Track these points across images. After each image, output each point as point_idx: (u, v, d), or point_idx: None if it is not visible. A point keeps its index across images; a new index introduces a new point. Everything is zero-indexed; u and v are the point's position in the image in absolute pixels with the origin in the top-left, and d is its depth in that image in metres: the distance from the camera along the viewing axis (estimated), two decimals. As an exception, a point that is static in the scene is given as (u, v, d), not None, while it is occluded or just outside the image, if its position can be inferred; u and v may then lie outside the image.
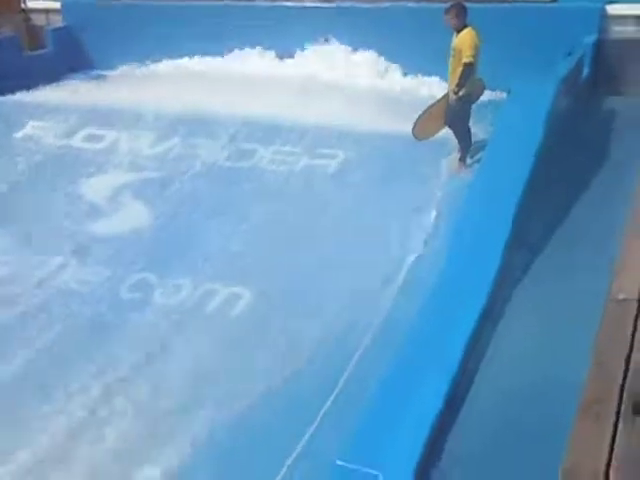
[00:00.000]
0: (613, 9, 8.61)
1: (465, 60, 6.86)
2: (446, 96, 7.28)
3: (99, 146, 8.56)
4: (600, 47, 8.55)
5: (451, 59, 7.06)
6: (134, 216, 7.28)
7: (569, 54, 8.26)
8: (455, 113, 7.15)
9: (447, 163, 7.29)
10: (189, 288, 6.10)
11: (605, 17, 8.62)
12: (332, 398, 4.66)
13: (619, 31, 8.61)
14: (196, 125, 8.56)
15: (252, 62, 10.15)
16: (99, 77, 10.73)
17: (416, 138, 7.31)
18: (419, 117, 7.31)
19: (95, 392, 4.99)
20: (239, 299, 5.91)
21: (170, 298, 6.02)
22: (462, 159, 7.19)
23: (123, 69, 10.84)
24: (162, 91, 9.50)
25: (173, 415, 4.80)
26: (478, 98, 7.36)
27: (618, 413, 1.78)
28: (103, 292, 6.19)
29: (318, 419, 4.53)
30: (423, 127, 7.32)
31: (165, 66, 10.70)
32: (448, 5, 7.06)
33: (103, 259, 6.63)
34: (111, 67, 10.85)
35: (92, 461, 4.48)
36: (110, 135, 8.68)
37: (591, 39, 8.52)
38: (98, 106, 9.23)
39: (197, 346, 5.42)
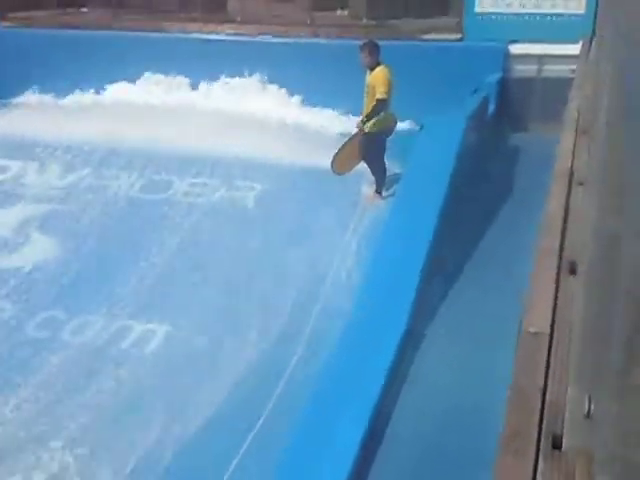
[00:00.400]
0: (515, 48, 9.04)
1: (378, 96, 7.03)
2: (361, 131, 7.42)
3: (3, 177, 8.23)
4: (504, 85, 8.95)
5: (365, 96, 7.22)
6: (41, 250, 6.99)
7: (475, 91, 8.60)
8: (370, 147, 7.30)
9: (363, 196, 7.42)
10: (101, 325, 5.89)
11: (508, 56, 9.04)
12: (251, 436, 4.58)
13: (522, 70, 9.04)
14: (107, 156, 8.37)
15: (164, 92, 10.03)
16: (3, 105, 10.33)
17: (335, 173, 7.43)
18: (336, 153, 7.44)
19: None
20: (153, 335, 5.76)
21: (80, 336, 5.79)
22: (378, 191, 7.33)
23: (28, 98, 10.48)
24: (70, 121, 9.24)
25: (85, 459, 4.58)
26: (391, 133, 7.55)
27: (538, 447, 1.82)
28: (9, 330, 5.89)
29: (239, 455, 4.44)
30: (341, 162, 7.45)
31: (74, 96, 10.40)
32: (362, 43, 7.24)
33: (8, 294, 6.32)
34: (16, 95, 10.47)
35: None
36: (15, 166, 8.36)
37: (495, 77, 8.91)
38: (2, 136, 8.89)
39: (114, 382, 5.23)
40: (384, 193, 7.32)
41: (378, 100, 7.04)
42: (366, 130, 7.26)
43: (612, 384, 1.34)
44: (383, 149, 7.32)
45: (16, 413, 4.98)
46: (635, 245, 1.25)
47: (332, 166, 7.40)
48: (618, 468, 1.18)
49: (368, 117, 7.12)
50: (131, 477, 4.41)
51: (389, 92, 7.07)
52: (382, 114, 7.15)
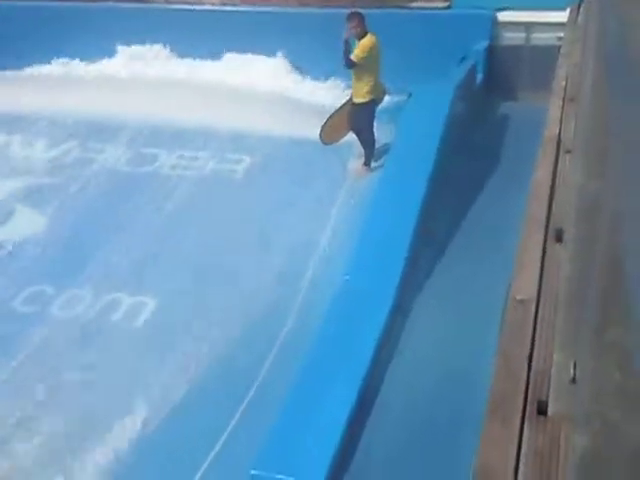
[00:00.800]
0: (503, 16, 8.95)
1: (352, 57, 6.96)
2: (349, 101, 7.38)
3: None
4: (492, 53, 8.88)
5: (354, 66, 7.15)
6: (27, 224, 6.94)
7: (463, 59, 8.54)
8: (358, 117, 7.25)
9: (352, 167, 7.39)
10: (90, 299, 5.88)
11: (496, 24, 8.96)
12: (242, 407, 4.61)
13: (510, 37, 8.96)
14: (93, 129, 8.28)
15: (148, 65, 9.89)
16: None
17: (323, 143, 7.42)
18: (325, 122, 7.41)
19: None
20: (143, 308, 5.75)
21: (69, 310, 5.77)
22: (367, 163, 7.31)
23: (9, 71, 10.30)
24: (54, 93, 9.13)
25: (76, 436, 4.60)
26: (381, 102, 7.49)
27: (524, 413, 1.84)
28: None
29: (229, 428, 4.46)
30: (329, 132, 7.43)
31: (56, 68, 10.24)
32: (349, 13, 7.14)
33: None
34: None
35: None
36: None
37: (483, 45, 8.84)
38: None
39: (103, 357, 5.23)
40: (373, 164, 7.30)
41: (350, 60, 6.95)
42: (355, 100, 7.21)
43: (590, 345, 1.34)
44: (372, 119, 7.28)
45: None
46: (614, 206, 1.25)
47: (320, 136, 7.39)
48: (595, 427, 1.18)
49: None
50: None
51: (364, 58, 6.97)
52: (372, 84, 7.10)
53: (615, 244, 1.21)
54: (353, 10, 7.25)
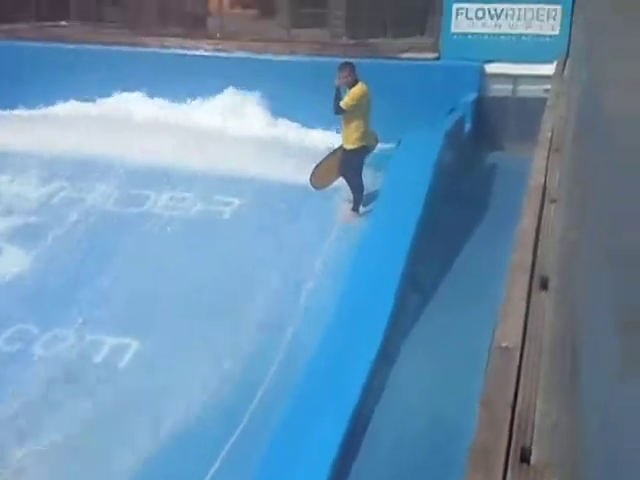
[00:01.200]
0: (491, 68, 9.16)
1: (341, 104, 7.08)
2: (340, 148, 7.48)
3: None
4: (480, 104, 9.06)
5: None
6: (13, 263, 6.90)
7: (452, 110, 8.70)
8: (349, 164, 7.34)
9: (340, 212, 7.44)
10: (73, 339, 5.82)
11: (484, 75, 9.16)
12: (232, 440, 4.56)
13: (497, 89, 9.16)
14: (83, 169, 8.31)
15: (140, 108, 10.00)
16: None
17: (314, 187, 7.53)
18: (316, 167, 7.52)
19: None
20: (126, 350, 5.70)
21: (52, 350, 5.71)
22: (355, 208, 7.36)
23: (4, 110, 10.36)
24: (46, 134, 9.17)
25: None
26: (372, 150, 7.62)
27: (507, 461, 1.83)
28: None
29: (219, 460, 4.41)
30: (320, 177, 7.53)
31: (50, 109, 10.33)
32: (340, 63, 7.28)
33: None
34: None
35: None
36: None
37: (472, 96, 9.02)
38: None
39: (87, 397, 5.15)
40: (361, 210, 7.35)
41: (339, 107, 7.08)
42: (345, 146, 7.31)
43: (568, 392, 1.35)
44: (361, 165, 7.37)
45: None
46: (591, 254, 1.27)
47: (311, 180, 7.48)
48: (576, 474, 1.18)
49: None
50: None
51: (353, 105, 7.10)
52: (363, 131, 7.21)
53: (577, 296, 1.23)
54: (345, 60, 7.41)
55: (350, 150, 7.30)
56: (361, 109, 7.20)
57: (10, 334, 5.88)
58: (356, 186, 7.38)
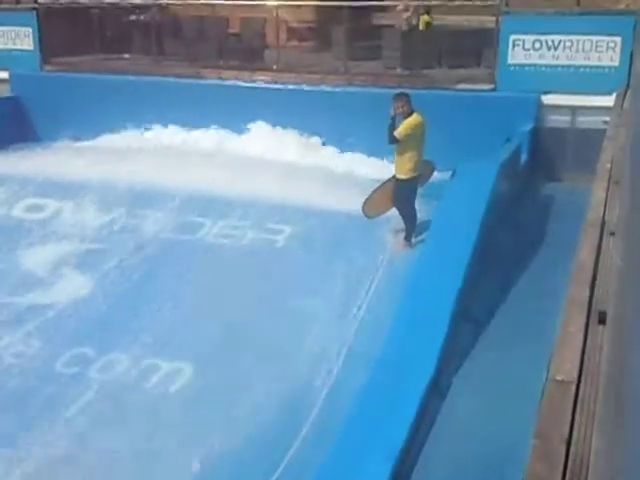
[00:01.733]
0: (548, 99, 9.07)
1: (395, 133, 7.12)
2: (393, 177, 7.49)
3: (41, 216, 8.43)
4: (537, 135, 8.96)
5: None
6: (73, 288, 7.10)
7: (507, 140, 8.62)
8: (401, 193, 7.33)
9: (392, 242, 7.43)
10: (128, 363, 5.93)
11: (541, 107, 9.07)
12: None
13: (554, 120, 9.05)
14: (141, 198, 8.53)
15: (200, 136, 10.23)
16: (43, 148, 10.62)
17: (366, 216, 7.53)
18: (369, 196, 7.55)
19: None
20: (180, 374, 5.77)
21: (108, 373, 5.82)
22: (407, 238, 7.33)
23: (67, 141, 10.77)
24: (108, 163, 9.47)
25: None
26: (427, 180, 7.61)
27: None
28: (38, 365, 5.96)
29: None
30: (372, 205, 7.54)
31: (112, 139, 10.68)
32: (395, 94, 7.33)
33: (40, 330, 6.41)
34: (55, 138, 10.77)
35: None
36: (52, 205, 8.57)
37: (528, 127, 8.93)
38: (40, 176, 9.13)
39: (136, 423, 5.23)
40: (413, 240, 7.32)
41: (392, 136, 7.12)
42: (397, 176, 7.31)
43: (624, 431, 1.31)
44: (414, 195, 7.34)
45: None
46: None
47: (363, 209, 7.50)
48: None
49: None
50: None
51: (407, 135, 7.11)
52: (416, 161, 7.22)
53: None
54: (400, 91, 7.45)
55: (402, 180, 7.29)
56: (415, 139, 7.20)
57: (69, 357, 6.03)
58: (408, 215, 7.36)
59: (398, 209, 7.45)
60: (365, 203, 7.51)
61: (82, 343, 6.20)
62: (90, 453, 4.98)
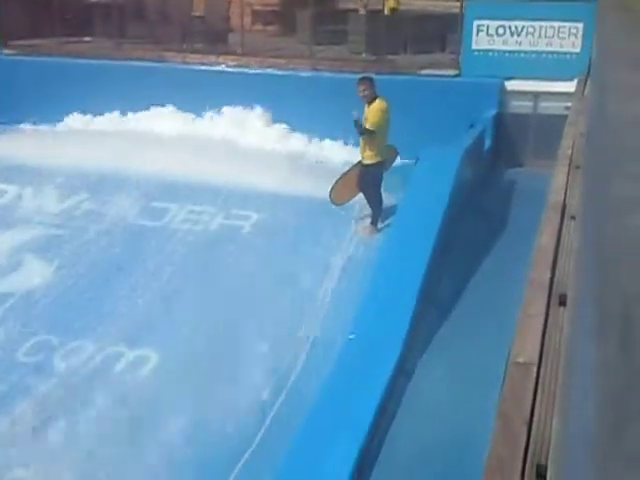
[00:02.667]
0: (511, 85, 9.16)
1: (367, 126, 7.12)
2: (359, 163, 7.51)
3: (1, 201, 8.26)
4: (500, 121, 9.05)
5: (363, 128, 7.31)
6: (34, 274, 6.97)
7: (471, 126, 8.70)
8: (367, 179, 7.36)
9: (359, 227, 7.46)
10: (92, 350, 5.86)
11: (504, 92, 9.16)
12: (241, 463, 4.55)
13: (517, 105, 9.15)
14: (106, 183, 8.41)
15: (164, 122, 10.11)
16: (2, 132, 10.38)
17: (333, 203, 7.54)
18: (335, 183, 7.55)
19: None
20: (146, 362, 5.73)
21: (72, 361, 5.75)
22: (373, 223, 7.37)
23: (28, 125, 10.55)
24: (70, 148, 9.31)
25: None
26: (391, 165, 7.64)
27: (522, 477, 1.82)
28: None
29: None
30: (339, 192, 7.56)
31: (74, 123, 10.50)
32: (359, 77, 7.34)
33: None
34: (16, 122, 10.54)
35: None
36: (12, 190, 8.41)
37: (491, 113, 9.02)
38: (0, 161, 8.95)
39: (102, 410, 5.18)
40: (380, 225, 7.36)
41: (365, 129, 7.12)
42: (364, 162, 7.34)
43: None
44: (380, 180, 7.38)
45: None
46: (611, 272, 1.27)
47: (330, 196, 7.51)
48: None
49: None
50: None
51: (379, 124, 7.13)
52: (381, 146, 7.23)
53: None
54: (364, 75, 7.46)
55: (368, 165, 7.32)
56: (381, 124, 7.22)
57: (31, 345, 5.94)
58: (375, 201, 7.39)
59: (365, 194, 7.48)
60: (332, 191, 7.52)
61: (44, 331, 6.10)
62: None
